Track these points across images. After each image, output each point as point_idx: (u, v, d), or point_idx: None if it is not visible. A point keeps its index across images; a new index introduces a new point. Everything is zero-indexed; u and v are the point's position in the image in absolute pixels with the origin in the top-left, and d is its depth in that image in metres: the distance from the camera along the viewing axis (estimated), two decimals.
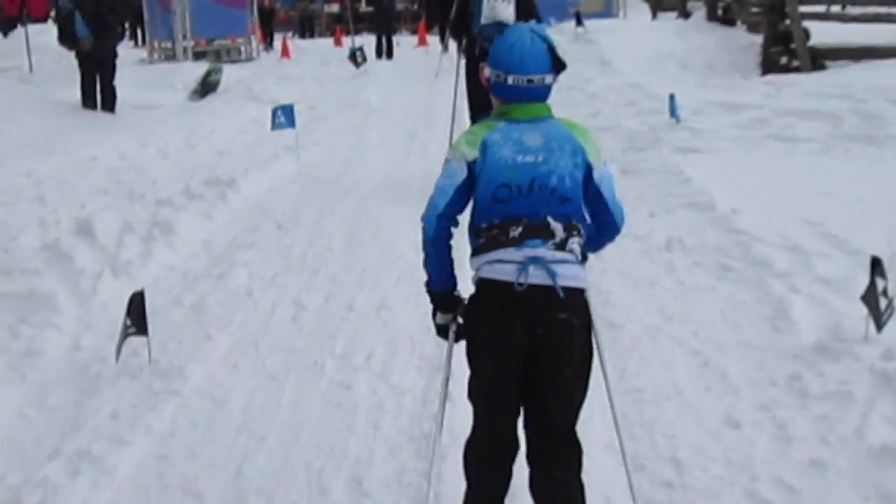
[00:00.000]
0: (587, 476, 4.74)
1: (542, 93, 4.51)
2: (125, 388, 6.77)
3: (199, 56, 26.86)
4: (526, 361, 4.36)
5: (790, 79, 17.52)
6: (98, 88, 18.40)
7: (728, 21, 24.83)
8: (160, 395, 6.61)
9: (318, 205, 11.50)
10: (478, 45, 10.82)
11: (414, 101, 19.84)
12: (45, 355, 7.39)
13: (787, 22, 19.12)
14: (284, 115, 14.17)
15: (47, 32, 19.55)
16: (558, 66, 4.48)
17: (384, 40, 28.96)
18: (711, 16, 25.72)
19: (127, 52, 28.26)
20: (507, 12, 10.67)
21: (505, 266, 4.32)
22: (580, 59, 19.86)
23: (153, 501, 5.51)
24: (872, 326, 6.59)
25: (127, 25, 34.86)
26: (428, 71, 22.44)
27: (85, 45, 17.84)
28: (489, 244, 4.39)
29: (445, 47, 16.85)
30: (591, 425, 5.85)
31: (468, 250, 4.60)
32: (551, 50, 4.47)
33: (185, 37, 26.94)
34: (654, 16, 32.85)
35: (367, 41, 28.66)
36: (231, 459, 5.85)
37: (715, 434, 5.89)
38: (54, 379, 7.06)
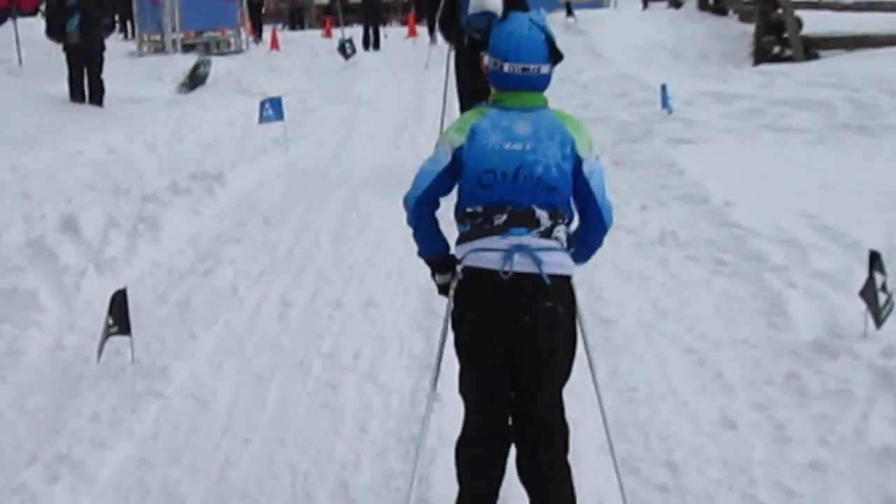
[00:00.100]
0: (578, 479, 4.68)
1: (538, 82, 4.50)
2: (107, 389, 6.61)
3: (188, 48, 26.65)
4: (512, 349, 4.38)
5: (783, 68, 17.38)
6: (86, 82, 18.24)
7: (719, 10, 24.69)
8: (142, 397, 6.45)
9: (306, 199, 11.34)
10: (466, 35, 10.79)
11: (404, 92, 19.69)
12: (27, 355, 7.23)
13: (780, 11, 18.97)
14: (272, 108, 14.02)
15: (37, 25, 19.37)
16: (555, 56, 4.48)
17: (371, 31, 28.81)
18: (703, 5, 25.57)
19: (116, 45, 28.10)
20: (495, 2, 10.47)
21: (490, 254, 4.33)
22: (570, 50, 19.14)
23: None
24: (871, 322, 6.45)
25: (117, 18, 34.72)
26: (417, 62, 22.28)
27: (72, 38, 17.65)
28: (474, 232, 4.42)
29: (434, 39, 16.76)
30: (584, 426, 5.75)
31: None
32: (549, 40, 4.45)
33: (174, 29, 26.72)
34: (645, 5, 32.78)
35: (357, 33, 28.53)
36: (214, 463, 5.69)
37: (711, 435, 5.75)
38: (35, 380, 6.90)
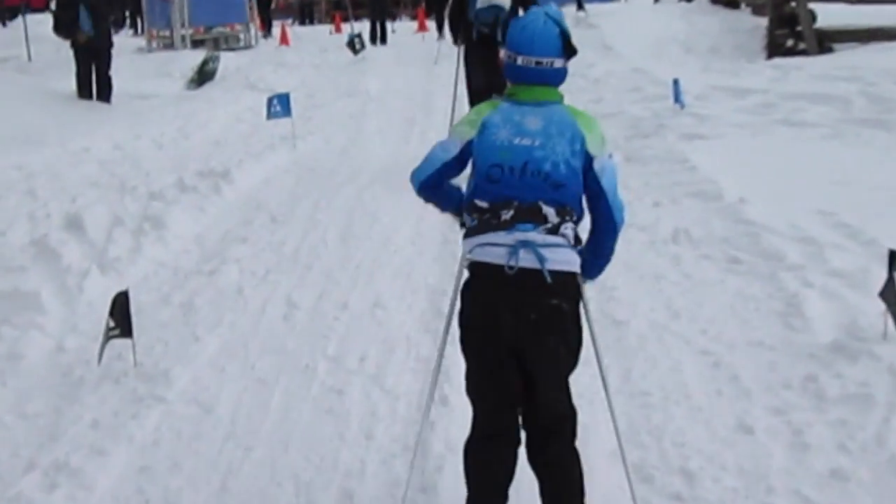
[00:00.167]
0: (589, 486, 4.63)
1: (552, 76, 4.51)
2: (108, 393, 6.47)
3: (197, 44, 26.51)
4: (518, 344, 4.38)
5: (796, 62, 17.21)
6: (94, 78, 18.11)
7: (732, 3, 24.48)
8: (144, 402, 6.31)
9: (314, 196, 11.19)
10: (475, 29, 10.93)
11: (413, 87, 19.53)
12: (27, 359, 7.08)
13: (793, 4, 18.79)
14: (280, 104, 13.87)
15: (47, 22, 19.26)
16: (569, 51, 4.49)
17: (378, 26, 28.67)
18: None
19: (126, 41, 28.15)
20: None
21: (496, 249, 4.34)
22: (581, 44, 18.64)
23: None
24: (891, 323, 6.30)
25: (127, 14, 34.66)
26: (427, 57, 22.17)
27: (82, 36, 17.52)
28: (481, 226, 4.42)
29: (442, 34, 16.72)
30: (595, 432, 5.64)
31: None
32: (563, 35, 4.47)
33: (183, 25, 26.59)
34: None
35: (367, 27, 28.36)
36: (216, 472, 5.55)
37: (727, 441, 5.60)
38: (35, 384, 6.75)
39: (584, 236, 4.59)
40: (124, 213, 10.01)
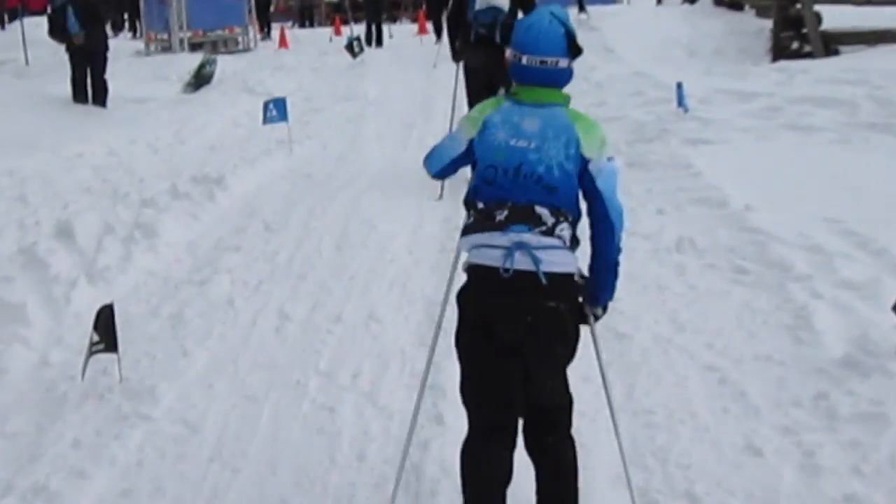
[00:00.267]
0: None
1: (557, 76, 4.50)
2: (91, 411, 6.25)
3: (196, 47, 26.30)
4: (515, 345, 4.38)
5: (802, 65, 16.96)
6: (89, 82, 17.88)
7: (736, 5, 24.23)
8: (128, 420, 6.09)
9: (309, 203, 10.95)
10: (473, 30, 10.89)
11: (412, 91, 19.28)
12: (10, 373, 6.87)
13: (798, 6, 18.53)
14: (276, 109, 13.64)
15: (44, 25, 19.06)
16: (574, 50, 4.49)
17: (374, 28, 28.57)
18: (718, 0, 25.10)
19: (124, 44, 27.95)
20: None
21: (491, 251, 4.35)
22: (583, 47, 18.94)
23: None
24: None
25: (126, 17, 34.47)
26: (426, 60, 21.95)
27: (77, 38, 17.32)
28: (476, 226, 4.45)
29: (440, 38, 16.63)
30: (598, 453, 5.48)
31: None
32: (568, 34, 4.47)
33: (181, 28, 26.37)
34: (660, 1, 32.27)
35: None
36: (200, 496, 5.33)
37: (735, 463, 5.39)
38: (16, 400, 6.52)
39: (584, 240, 4.52)
40: (115, 221, 9.80)
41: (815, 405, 5.84)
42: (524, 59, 4.45)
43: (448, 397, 5.90)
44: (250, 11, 28.66)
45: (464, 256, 4.58)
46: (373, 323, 7.51)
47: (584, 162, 4.36)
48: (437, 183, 9.74)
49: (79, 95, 17.83)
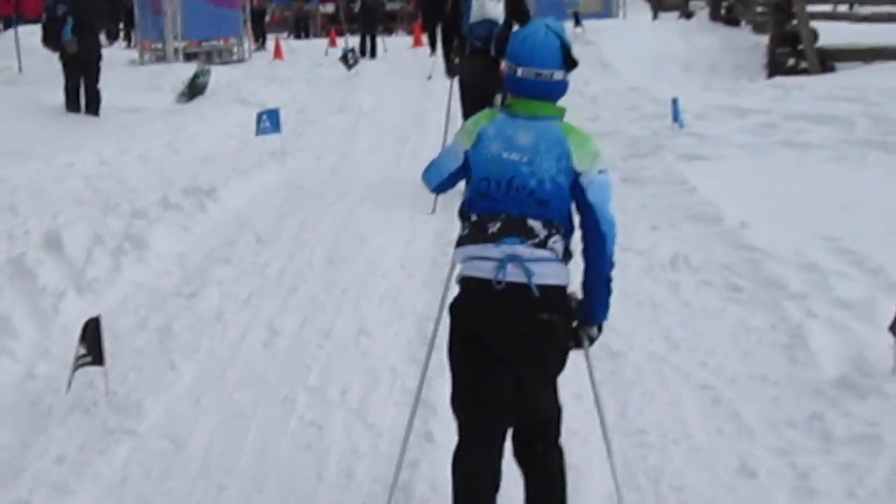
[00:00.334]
0: None
1: (552, 89, 4.50)
2: (76, 425, 6.16)
3: (190, 57, 26.23)
4: (508, 356, 4.42)
5: (798, 81, 16.92)
6: (82, 91, 17.78)
7: (732, 21, 24.20)
8: (113, 435, 6.00)
9: (301, 216, 10.85)
10: (468, 43, 10.92)
11: (406, 103, 19.20)
12: None
13: (795, 22, 18.49)
14: (270, 120, 13.53)
15: (39, 33, 18.97)
16: (570, 63, 4.49)
17: (368, 40, 28.60)
18: (715, 15, 25.09)
19: (119, 53, 27.83)
20: (497, 10, 10.62)
21: (484, 263, 4.37)
22: (578, 61, 18.84)
23: None
24: None
25: (122, 26, 34.38)
26: (421, 72, 21.88)
27: (70, 46, 17.22)
28: (470, 238, 4.47)
29: (434, 51, 16.62)
30: (589, 475, 5.42)
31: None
32: (564, 47, 4.47)
33: (175, 37, 26.29)
34: (655, 16, 32.31)
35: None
36: None
37: (728, 485, 5.31)
38: (1, 413, 6.43)
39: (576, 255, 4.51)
40: (105, 232, 9.71)
41: (810, 426, 5.77)
42: (519, 72, 4.45)
43: (438, 415, 5.82)
44: (245, 22, 28.59)
45: (457, 268, 4.59)
46: (363, 338, 7.41)
47: (576, 175, 4.37)
48: (430, 196, 9.67)
49: (71, 104, 17.72)
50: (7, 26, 31.14)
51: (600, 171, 4.43)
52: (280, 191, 12.25)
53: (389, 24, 37.85)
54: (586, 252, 4.47)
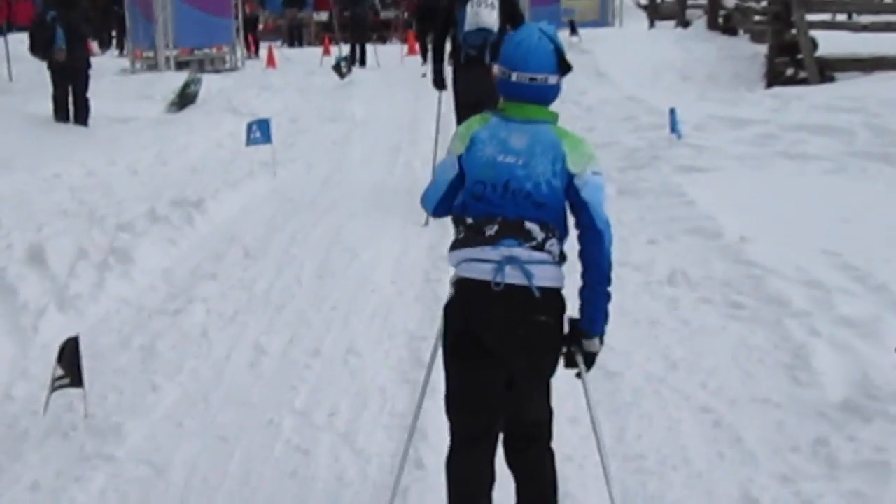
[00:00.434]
0: None
1: (546, 93, 4.50)
2: (53, 450, 5.94)
3: (182, 66, 26.00)
4: (503, 357, 4.44)
5: (797, 91, 16.71)
6: (71, 100, 17.55)
7: (730, 30, 23.96)
8: (91, 461, 5.78)
9: (291, 229, 10.63)
10: (463, 52, 10.89)
11: (399, 113, 19.00)
12: None
13: (794, 31, 18.27)
14: (260, 130, 13.33)
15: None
16: (564, 67, 4.49)
17: (358, 48, 28.47)
18: (712, 24, 24.83)
19: (110, 62, 27.61)
20: (491, 18, 10.55)
21: (482, 265, 4.38)
22: (574, 70, 18.27)
23: None
24: None
25: (114, 34, 34.15)
26: (414, 82, 21.66)
27: (59, 55, 17.00)
28: (466, 240, 4.46)
29: (426, 60, 16.54)
30: (586, 501, 5.20)
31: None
32: (558, 51, 4.47)
33: (167, 46, 26.06)
34: (652, 24, 32.07)
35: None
36: None
37: None
38: None
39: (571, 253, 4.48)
40: (90, 245, 9.50)
41: (815, 452, 5.57)
42: (514, 76, 4.44)
43: (429, 440, 5.62)
44: (238, 30, 28.38)
45: (452, 271, 4.56)
46: (352, 358, 7.18)
47: (570, 176, 4.37)
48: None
49: (60, 114, 17.48)
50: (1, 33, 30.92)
51: (594, 172, 4.41)
52: (270, 202, 12.05)
53: (384, 32, 37.65)
54: (584, 251, 4.43)
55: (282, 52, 30.68)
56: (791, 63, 18.52)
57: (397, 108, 19.68)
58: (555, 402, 4.62)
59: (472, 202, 4.45)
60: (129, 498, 5.44)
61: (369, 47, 28.70)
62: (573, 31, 26.16)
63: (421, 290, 8.49)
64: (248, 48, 30.38)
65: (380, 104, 20.28)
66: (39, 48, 17.33)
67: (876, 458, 5.36)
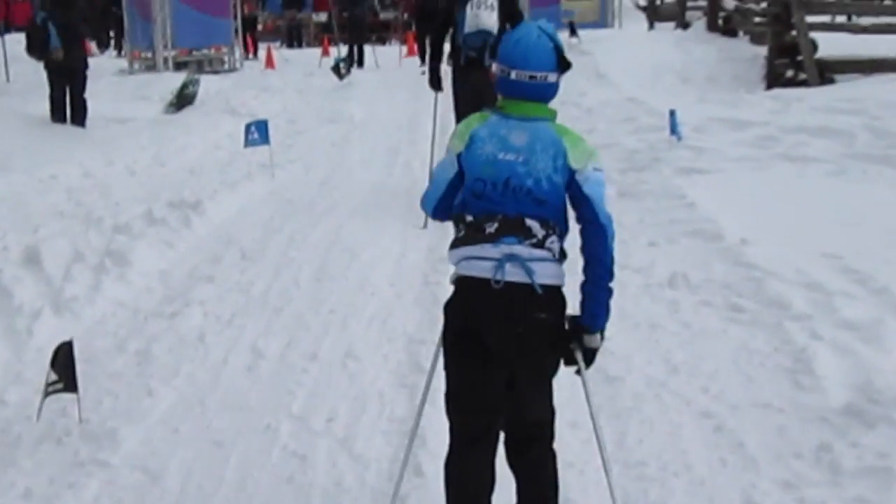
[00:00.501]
0: None
1: (545, 91, 4.50)
2: (47, 456, 5.87)
3: (181, 66, 25.91)
4: (504, 356, 4.41)
5: (797, 93, 16.62)
6: (68, 101, 17.49)
7: (729, 31, 23.88)
8: (85, 467, 5.71)
9: (289, 231, 10.57)
10: (463, 54, 10.89)
11: (398, 114, 18.92)
12: None
13: (794, 32, 18.20)
14: (258, 132, 13.27)
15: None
16: (563, 65, 4.49)
17: (356, 49, 28.45)
18: (712, 26, 24.75)
19: (108, 62, 27.54)
20: (491, 20, 10.54)
21: (482, 263, 4.37)
22: (574, 72, 17.91)
23: None
24: None
25: (112, 34, 34.07)
26: (414, 83, 21.57)
27: (56, 55, 16.93)
28: (466, 238, 4.45)
29: (423, 61, 16.50)
30: None
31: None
32: (557, 49, 4.46)
33: (166, 46, 25.98)
34: (651, 26, 32.00)
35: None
36: None
37: None
38: None
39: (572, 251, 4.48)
40: (86, 248, 9.45)
41: (818, 457, 5.50)
42: (513, 74, 4.44)
43: (428, 446, 5.54)
44: (237, 31, 28.30)
45: (452, 269, 4.54)
46: (350, 361, 7.11)
47: (571, 172, 4.37)
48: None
49: (57, 114, 17.44)
50: None
51: (595, 168, 4.42)
52: (268, 204, 11.99)
53: (383, 33, 37.58)
54: (587, 246, 4.43)
55: (281, 52, 30.62)
56: (791, 65, 18.44)
57: (396, 109, 19.60)
58: (555, 405, 4.58)
59: (472, 200, 4.44)
60: None
61: (368, 48, 28.64)
62: (573, 32, 26.12)
63: (420, 292, 8.43)
64: (246, 49, 30.29)
65: (379, 105, 20.21)
66: (36, 49, 17.29)
67: (879, 464, 5.29)
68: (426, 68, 12.72)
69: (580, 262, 4.41)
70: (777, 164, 12.22)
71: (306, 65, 26.82)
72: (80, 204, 12.27)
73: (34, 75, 19.76)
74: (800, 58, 18.13)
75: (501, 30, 10.55)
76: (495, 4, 10.60)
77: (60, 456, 5.84)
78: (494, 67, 4.62)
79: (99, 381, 6.77)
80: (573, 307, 4.47)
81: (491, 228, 4.37)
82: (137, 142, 16.49)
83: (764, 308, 7.57)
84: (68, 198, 12.68)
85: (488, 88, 9.95)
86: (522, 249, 4.33)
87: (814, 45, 17.92)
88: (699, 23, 26.00)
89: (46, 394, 6.04)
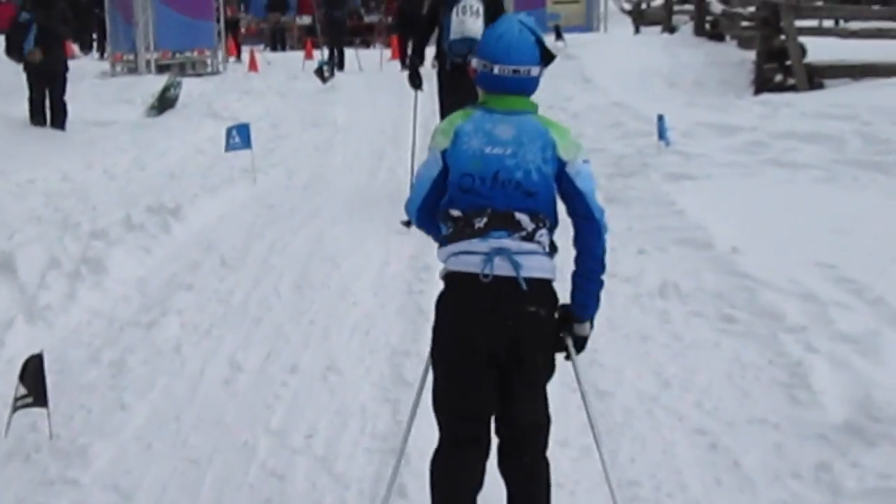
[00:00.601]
0: None
1: (528, 85, 4.50)
2: (14, 474, 5.66)
3: (163, 69, 25.66)
4: (495, 352, 4.36)
5: (786, 98, 16.49)
6: (48, 104, 17.25)
7: (717, 36, 23.77)
8: (54, 486, 5.49)
9: (270, 237, 10.35)
10: (448, 60, 10.82)
11: (382, 118, 18.69)
12: None
13: (782, 37, 18.06)
14: (240, 135, 13.03)
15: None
16: (546, 57, 4.48)
17: (336, 52, 28.40)
18: (699, 30, 24.65)
19: (90, 64, 27.29)
20: (476, 26, 10.32)
21: (470, 257, 4.36)
22: (560, 76, 18.54)
23: None
24: None
25: (95, 37, 33.80)
26: (397, 86, 21.34)
27: (34, 56, 16.67)
28: (455, 235, 4.44)
29: (404, 66, 16.39)
30: None
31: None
32: (539, 42, 4.46)
33: (148, 49, 25.74)
34: (637, 30, 31.89)
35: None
36: None
37: None
38: None
39: (560, 244, 4.49)
40: (62, 254, 9.27)
41: (817, 477, 5.30)
42: (496, 69, 4.43)
43: (412, 464, 5.31)
44: (220, 33, 28.08)
45: (441, 266, 4.51)
46: (331, 374, 6.88)
47: (561, 164, 4.39)
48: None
49: (36, 117, 17.20)
50: None
51: (584, 161, 4.46)
52: (249, 209, 11.77)
53: (367, 37, 37.42)
54: (580, 239, 4.48)
55: (264, 55, 30.43)
56: (780, 69, 18.30)
57: (380, 112, 19.37)
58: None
59: (459, 195, 4.42)
60: None
61: (352, 51, 28.47)
62: (558, 36, 25.95)
63: (403, 302, 8.21)
64: (229, 52, 30.07)
65: (362, 109, 19.98)
66: (15, 50, 17.04)
67: (882, 485, 5.11)
68: (406, 67, 12.59)
69: (571, 256, 4.40)
70: (767, 169, 12.03)
71: (289, 68, 26.59)
72: (57, 209, 12.04)
73: (15, 77, 19.51)
74: (788, 62, 18.01)
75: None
76: (481, 11, 10.45)
77: (29, 474, 5.62)
78: (475, 63, 4.60)
79: (71, 394, 6.56)
80: (563, 299, 4.43)
81: (480, 223, 4.37)
82: (118, 145, 16.27)
83: (757, 319, 7.38)
84: (46, 202, 12.45)
85: (473, 92, 9.86)
86: (511, 243, 4.33)
87: (803, 50, 17.80)
88: (686, 27, 25.91)
89: (15, 408, 5.82)
